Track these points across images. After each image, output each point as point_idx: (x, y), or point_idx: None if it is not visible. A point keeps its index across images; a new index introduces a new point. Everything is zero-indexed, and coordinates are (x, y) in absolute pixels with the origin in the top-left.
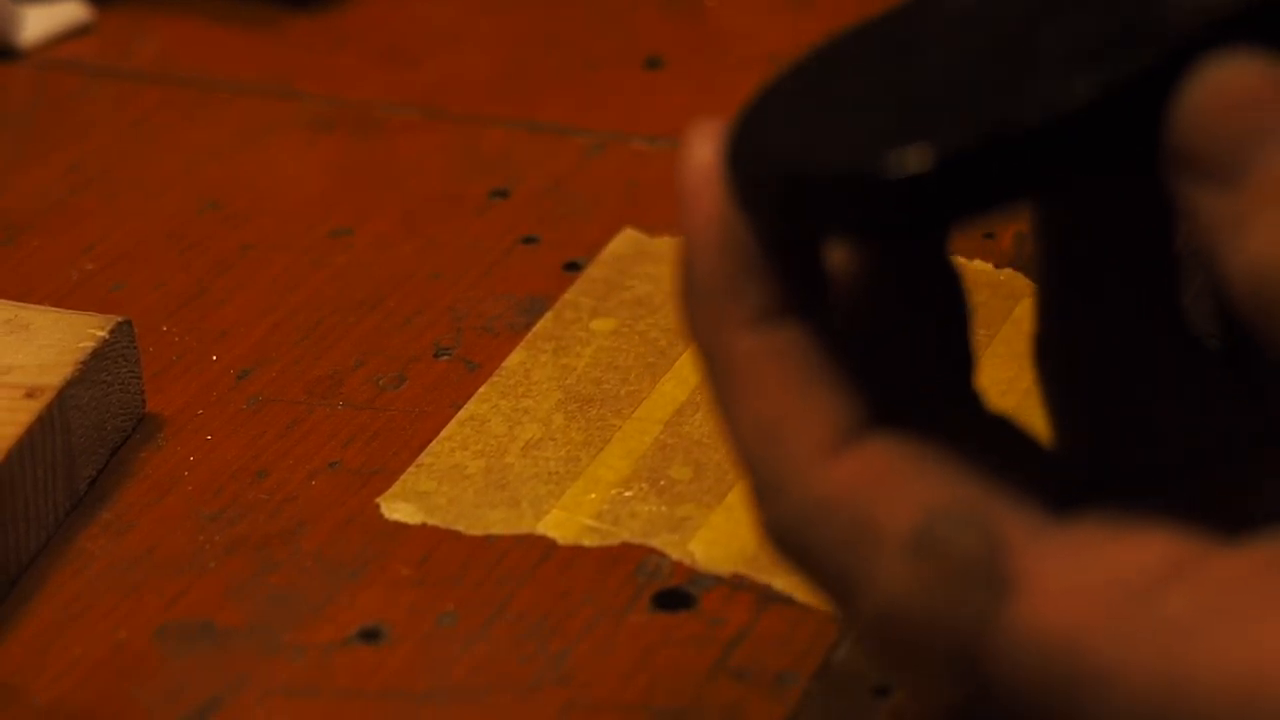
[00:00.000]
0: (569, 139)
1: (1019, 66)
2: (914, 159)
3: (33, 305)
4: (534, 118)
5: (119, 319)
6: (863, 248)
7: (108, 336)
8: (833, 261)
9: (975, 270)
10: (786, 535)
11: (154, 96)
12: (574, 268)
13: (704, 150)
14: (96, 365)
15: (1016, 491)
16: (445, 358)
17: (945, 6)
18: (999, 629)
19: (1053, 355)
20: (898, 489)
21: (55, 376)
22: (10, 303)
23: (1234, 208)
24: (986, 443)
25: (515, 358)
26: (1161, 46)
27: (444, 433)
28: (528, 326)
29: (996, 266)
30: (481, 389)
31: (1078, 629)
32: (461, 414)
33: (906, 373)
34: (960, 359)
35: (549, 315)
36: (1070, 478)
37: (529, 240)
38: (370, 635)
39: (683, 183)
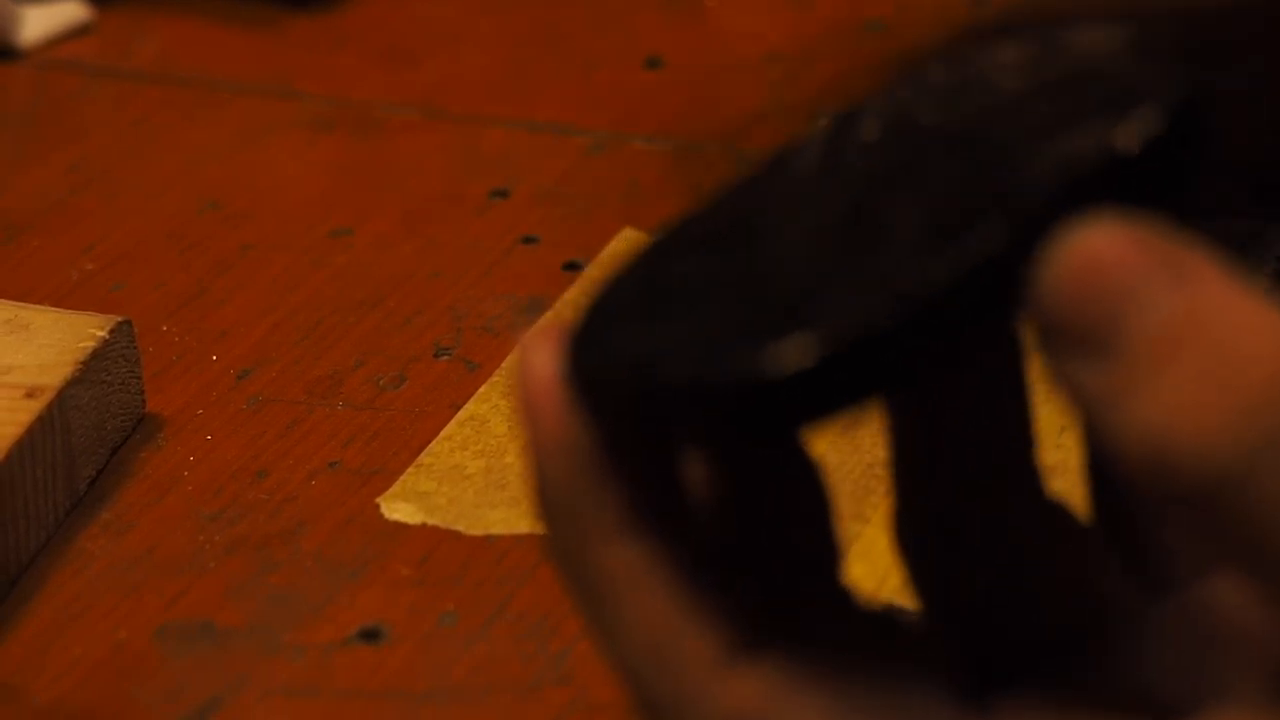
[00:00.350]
0: (569, 139)
1: (868, 247)
2: (763, 363)
3: (33, 305)
4: (534, 118)
5: (119, 319)
6: (713, 453)
7: (108, 336)
8: (689, 466)
9: None
10: None
11: (154, 96)
12: (574, 268)
13: (542, 358)
14: (96, 365)
15: (914, 701)
16: (445, 358)
17: (785, 178)
18: None
19: (912, 535)
20: (795, 712)
21: (55, 376)
22: (10, 303)
23: (1114, 378)
24: (873, 642)
25: (515, 358)
26: (1020, 214)
27: (444, 433)
28: (528, 326)
29: None
30: (481, 389)
31: None
32: (461, 414)
33: (784, 574)
34: (829, 555)
35: (549, 315)
36: (961, 667)
37: (529, 240)
38: (370, 635)
39: (522, 394)
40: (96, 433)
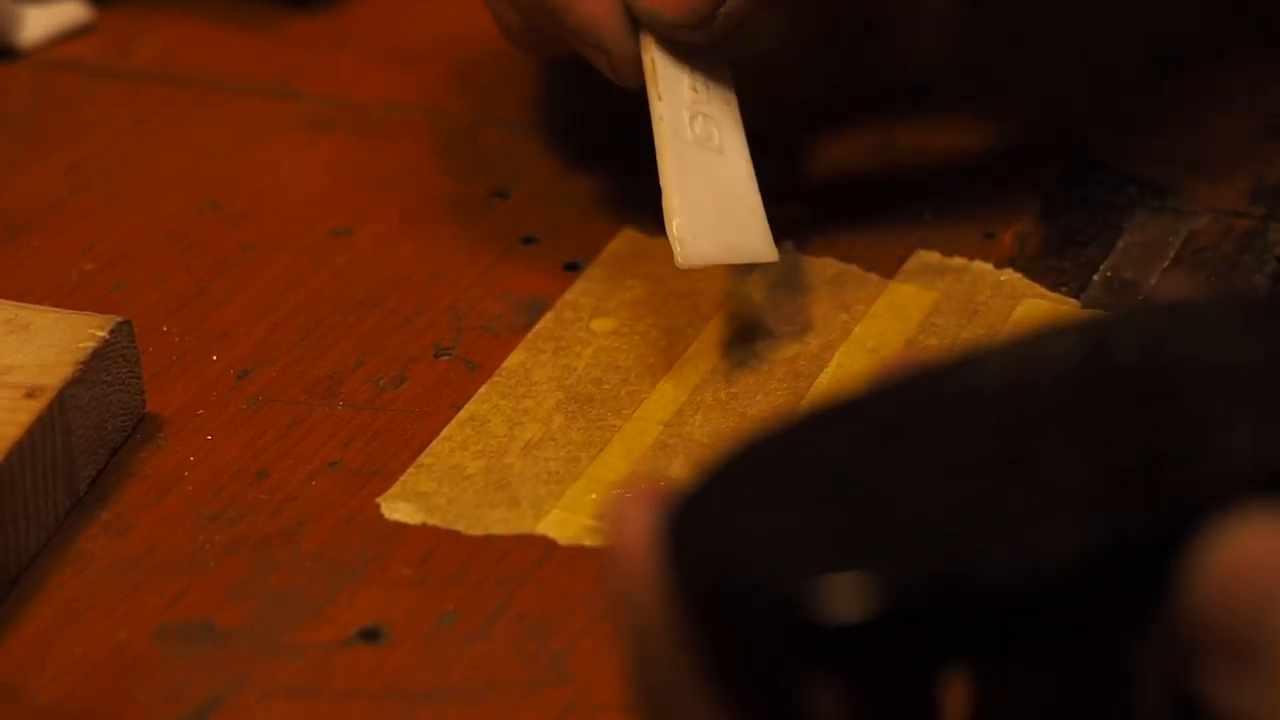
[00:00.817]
0: (569, 139)
1: (1014, 492)
2: (847, 604)
3: (33, 305)
4: (534, 118)
5: (119, 319)
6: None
7: (108, 336)
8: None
9: (976, 270)
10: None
11: (154, 96)
12: (574, 268)
13: (638, 522)
14: (96, 365)
15: None
16: (445, 358)
17: (965, 383)
18: None
19: None
20: None
21: (55, 376)
22: (10, 303)
23: (1266, 689)
24: None
25: (515, 358)
26: (1182, 499)
27: (444, 433)
28: (528, 326)
29: (997, 266)
30: (481, 389)
31: None
32: (461, 414)
33: None
34: None
35: (549, 315)
36: None
37: (529, 240)
38: (370, 635)
39: (616, 558)
40: (96, 433)
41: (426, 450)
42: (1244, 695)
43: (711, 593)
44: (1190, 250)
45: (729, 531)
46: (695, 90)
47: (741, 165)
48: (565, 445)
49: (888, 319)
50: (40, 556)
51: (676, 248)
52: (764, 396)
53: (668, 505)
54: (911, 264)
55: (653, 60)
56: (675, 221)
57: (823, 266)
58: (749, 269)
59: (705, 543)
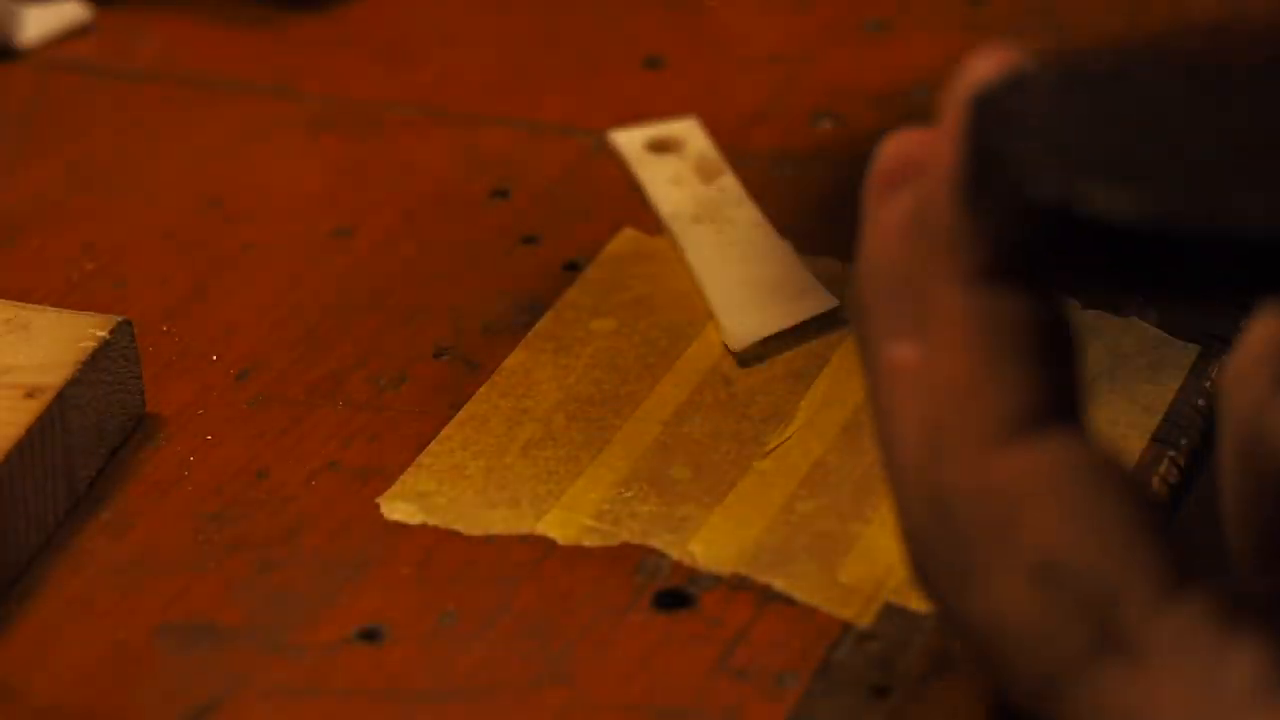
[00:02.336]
0: (569, 139)
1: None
2: (1117, 202)
3: (33, 305)
4: (534, 118)
5: (119, 319)
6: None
7: (108, 336)
8: None
9: None
10: (930, 505)
11: (154, 96)
12: (574, 268)
13: (985, 70)
14: (96, 365)
15: (1143, 558)
16: (445, 358)
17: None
18: (1088, 683)
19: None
20: (1044, 508)
21: (55, 376)
22: (10, 303)
23: None
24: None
25: (515, 358)
26: None
27: (444, 433)
28: (528, 326)
29: None
30: (481, 389)
31: (1158, 711)
32: (461, 414)
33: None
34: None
35: (549, 315)
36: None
37: (529, 240)
38: (370, 635)
39: (950, 95)
40: (96, 433)
41: (426, 450)
42: None
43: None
44: None
45: (1030, 113)
46: (680, 185)
47: (757, 232)
48: (565, 445)
49: None
50: (40, 556)
51: (728, 340)
52: (764, 396)
53: (1005, 75)
54: None
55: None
56: (718, 319)
57: (823, 266)
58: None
59: (1013, 118)
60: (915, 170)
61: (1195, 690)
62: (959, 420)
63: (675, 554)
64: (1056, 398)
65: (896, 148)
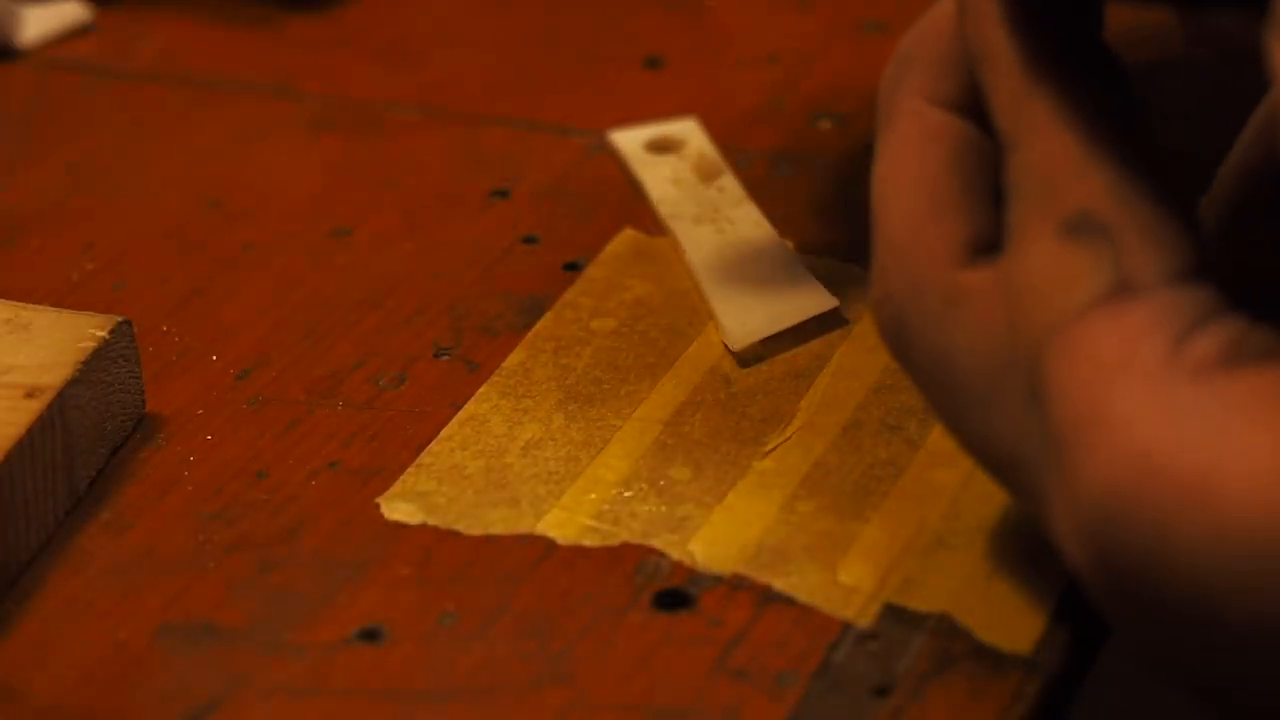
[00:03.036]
0: (569, 139)
1: None
2: None
3: (33, 305)
4: (534, 118)
5: (119, 319)
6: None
7: (108, 336)
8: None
9: None
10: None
11: (154, 96)
12: (574, 268)
13: None
14: (96, 365)
15: (1162, 238)
16: (445, 358)
17: None
18: (1072, 331)
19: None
20: (1080, 176)
21: (55, 376)
22: (10, 303)
23: None
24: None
25: (515, 358)
26: None
27: (444, 433)
28: (528, 326)
29: None
30: (481, 389)
31: (1118, 365)
32: (461, 414)
33: None
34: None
35: (549, 315)
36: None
37: (529, 240)
38: (370, 635)
39: None
40: (96, 433)
41: (426, 450)
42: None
43: None
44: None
45: None
46: (679, 185)
47: (758, 232)
48: (565, 445)
49: None
50: (40, 556)
51: (728, 340)
52: (764, 396)
53: None
54: None
55: (642, 182)
56: (718, 319)
57: (823, 266)
58: (812, 324)
59: None
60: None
61: (1160, 352)
62: (1013, 122)
63: (675, 554)
64: (1100, 104)
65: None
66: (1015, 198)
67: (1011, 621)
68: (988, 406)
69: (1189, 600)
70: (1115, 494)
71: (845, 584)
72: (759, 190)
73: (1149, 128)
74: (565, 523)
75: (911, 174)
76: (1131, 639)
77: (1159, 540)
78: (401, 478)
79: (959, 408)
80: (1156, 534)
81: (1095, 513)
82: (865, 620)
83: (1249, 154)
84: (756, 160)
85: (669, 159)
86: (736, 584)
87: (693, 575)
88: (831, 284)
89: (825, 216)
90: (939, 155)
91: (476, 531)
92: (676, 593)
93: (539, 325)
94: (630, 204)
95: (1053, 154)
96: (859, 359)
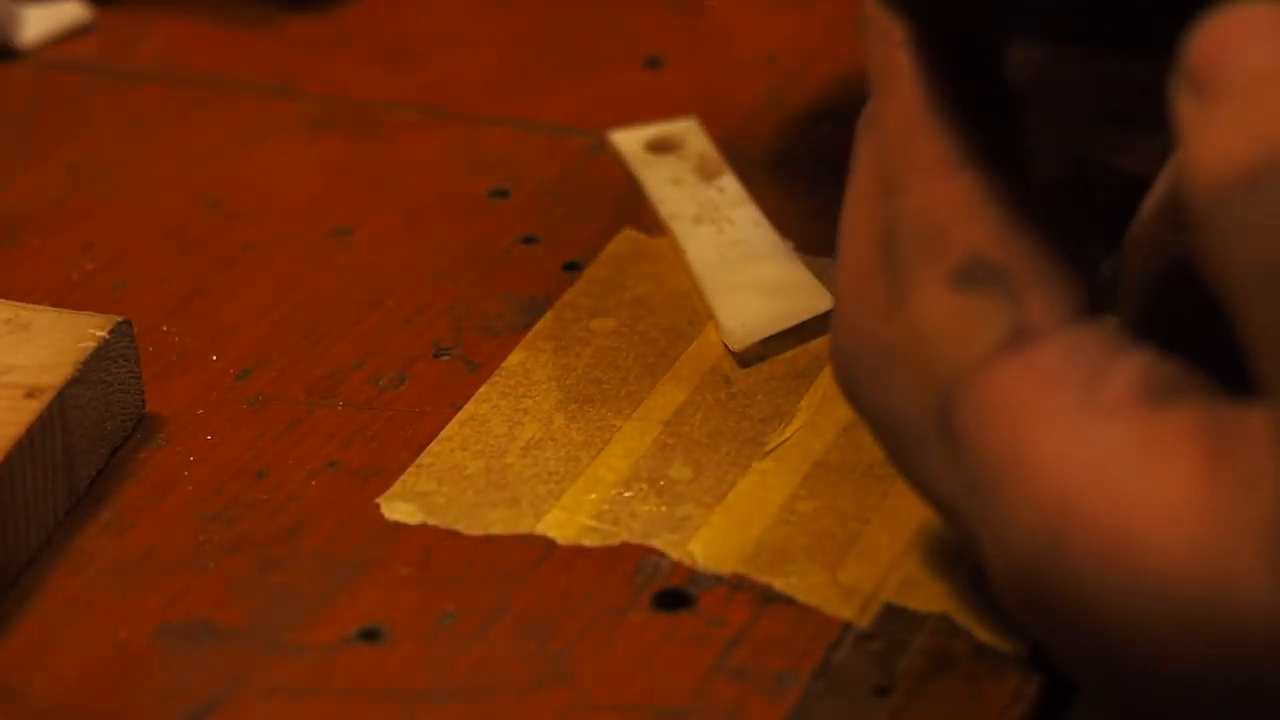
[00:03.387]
0: (569, 139)
1: None
2: None
3: (33, 305)
4: (534, 118)
5: (119, 319)
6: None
7: (108, 336)
8: None
9: None
10: (878, 241)
11: (154, 96)
12: (574, 268)
13: None
14: (96, 365)
15: (1064, 274)
16: (445, 358)
17: None
18: (979, 381)
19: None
20: (976, 219)
21: (55, 376)
22: (10, 303)
23: (1203, 110)
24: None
25: (515, 358)
26: None
27: (444, 433)
28: (528, 326)
29: None
30: (481, 389)
31: (1031, 410)
32: (461, 414)
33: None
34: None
35: (549, 315)
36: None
37: (529, 240)
38: (370, 635)
39: None
40: (96, 433)
41: (426, 450)
42: (1188, 113)
43: None
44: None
45: None
46: (679, 185)
47: (758, 232)
48: (565, 445)
49: None
50: (40, 556)
51: (728, 340)
52: (764, 396)
53: None
54: None
55: (639, 177)
56: (718, 319)
57: (823, 266)
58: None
59: None
60: None
61: (1074, 394)
62: (901, 159)
63: (675, 554)
64: (991, 142)
65: None
66: (903, 244)
67: (1011, 621)
68: (920, 454)
69: (1115, 644)
70: (1038, 538)
71: (845, 584)
72: (759, 190)
73: (1034, 162)
74: (565, 523)
75: (862, 228)
76: (1073, 676)
77: (1082, 585)
78: (401, 478)
79: (901, 455)
80: (1079, 579)
81: (1021, 557)
82: (865, 620)
83: (1163, 203)
84: (756, 160)
85: (669, 159)
86: (736, 584)
87: (693, 575)
88: (831, 284)
89: (825, 216)
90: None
91: (476, 531)
92: (676, 593)
93: (539, 325)
94: (630, 204)
95: (940, 198)
96: None
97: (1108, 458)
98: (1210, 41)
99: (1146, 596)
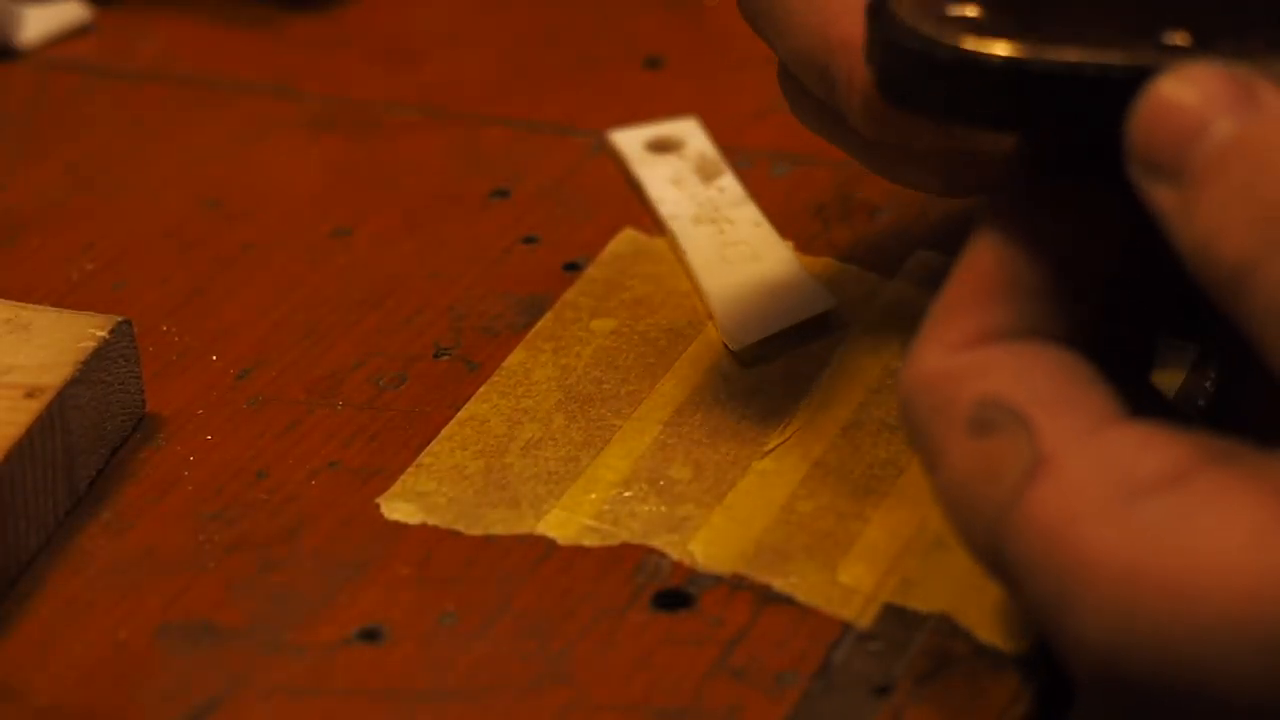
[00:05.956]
0: (569, 139)
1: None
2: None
3: (33, 305)
4: (534, 118)
5: (119, 319)
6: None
7: (108, 336)
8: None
9: None
10: (903, 399)
11: (154, 96)
12: (574, 268)
13: None
14: (96, 365)
15: (1078, 395)
16: (445, 358)
17: None
18: (1017, 512)
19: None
20: (984, 373)
21: (55, 376)
22: (10, 303)
23: (1182, 197)
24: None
25: (515, 358)
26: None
27: (444, 433)
28: (528, 326)
29: None
30: (481, 389)
31: (1073, 517)
32: (461, 414)
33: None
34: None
35: (549, 315)
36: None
37: (529, 240)
38: (370, 635)
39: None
40: (96, 433)
41: (426, 450)
42: (1166, 201)
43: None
44: None
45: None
46: (679, 185)
47: (758, 232)
48: (565, 445)
49: (887, 319)
50: (40, 556)
51: (728, 340)
52: (764, 396)
53: None
54: (911, 264)
55: (638, 179)
56: (717, 319)
57: (823, 266)
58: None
59: None
60: None
61: (1113, 489)
62: (929, 326)
63: (675, 554)
64: (1018, 317)
65: None
66: (920, 417)
67: (1011, 621)
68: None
69: (1200, 699)
70: (1112, 624)
71: (845, 584)
72: (759, 190)
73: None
74: (565, 523)
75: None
76: None
77: (1162, 652)
78: (401, 478)
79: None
80: (1158, 648)
81: (1098, 659)
82: (865, 620)
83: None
84: (756, 160)
85: (669, 159)
86: (736, 584)
87: (693, 575)
88: (831, 284)
89: (825, 216)
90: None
91: (476, 531)
92: (676, 593)
93: (539, 325)
94: (630, 204)
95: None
96: (859, 359)
97: (1163, 527)
98: (1164, 120)
99: (1225, 642)
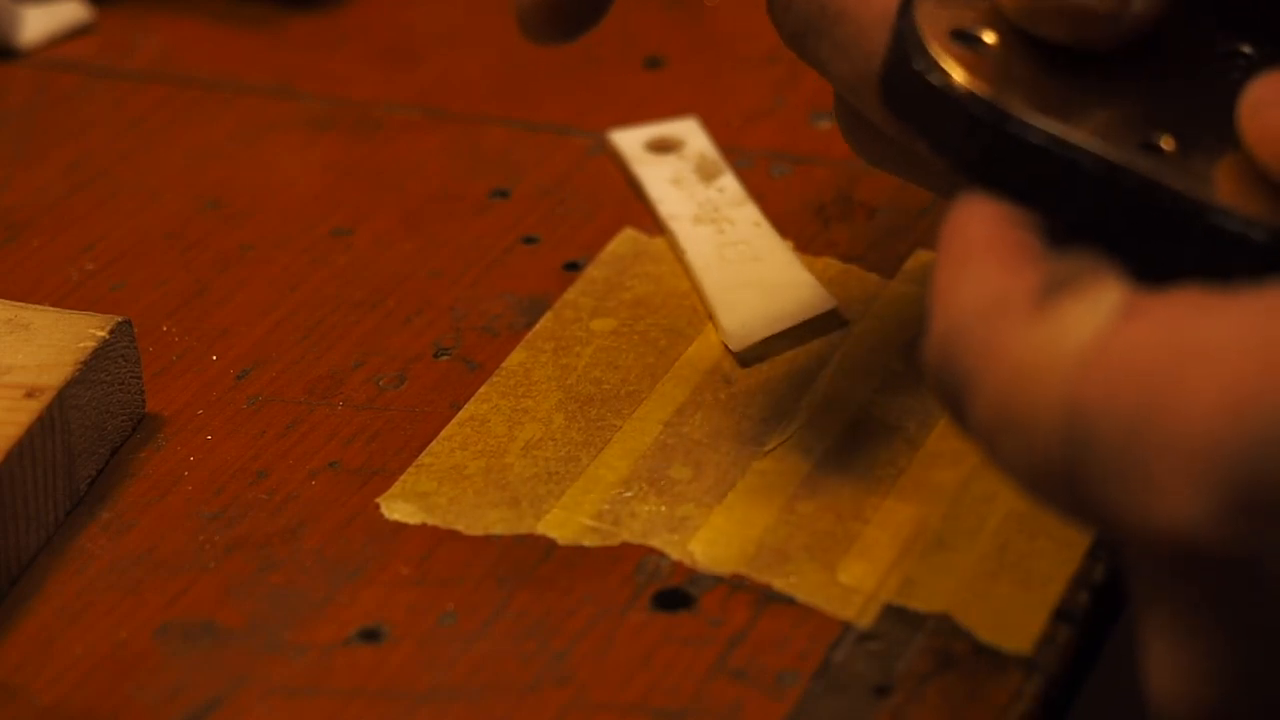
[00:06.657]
0: (569, 139)
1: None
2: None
3: (33, 305)
4: (534, 118)
5: (119, 319)
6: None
7: (108, 336)
8: None
9: None
10: (941, 334)
11: (154, 96)
12: (574, 268)
13: None
14: (96, 365)
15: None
16: (445, 358)
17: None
18: (1107, 357)
19: None
20: (1039, 262)
21: (55, 376)
22: (10, 303)
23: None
24: None
25: (515, 358)
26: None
27: (444, 433)
28: (528, 326)
29: None
30: (481, 389)
31: (1180, 342)
32: (461, 414)
33: None
34: None
35: (549, 315)
36: None
37: (529, 240)
38: (370, 635)
39: None
40: (96, 433)
41: (426, 450)
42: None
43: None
44: None
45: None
46: (679, 185)
47: (757, 232)
48: (565, 445)
49: (888, 319)
50: (40, 556)
51: (728, 340)
52: (764, 396)
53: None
54: (911, 264)
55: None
56: (717, 319)
57: (823, 266)
58: (813, 325)
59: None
60: None
61: (1197, 304)
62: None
63: (675, 554)
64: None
65: None
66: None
67: (1011, 621)
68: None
69: None
70: (1231, 413)
71: (845, 584)
72: (759, 190)
73: None
74: (565, 523)
75: None
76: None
77: None
78: (401, 478)
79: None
80: None
81: (1219, 491)
82: (865, 620)
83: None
84: (756, 160)
85: (669, 159)
86: (736, 584)
87: (693, 575)
88: (831, 284)
89: (825, 216)
90: None
91: (476, 531)
92: (676, 593)
93: (539, 325)
94: (630, 204)
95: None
96: (859, 359)
97: (1255, 322)
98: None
99: None
